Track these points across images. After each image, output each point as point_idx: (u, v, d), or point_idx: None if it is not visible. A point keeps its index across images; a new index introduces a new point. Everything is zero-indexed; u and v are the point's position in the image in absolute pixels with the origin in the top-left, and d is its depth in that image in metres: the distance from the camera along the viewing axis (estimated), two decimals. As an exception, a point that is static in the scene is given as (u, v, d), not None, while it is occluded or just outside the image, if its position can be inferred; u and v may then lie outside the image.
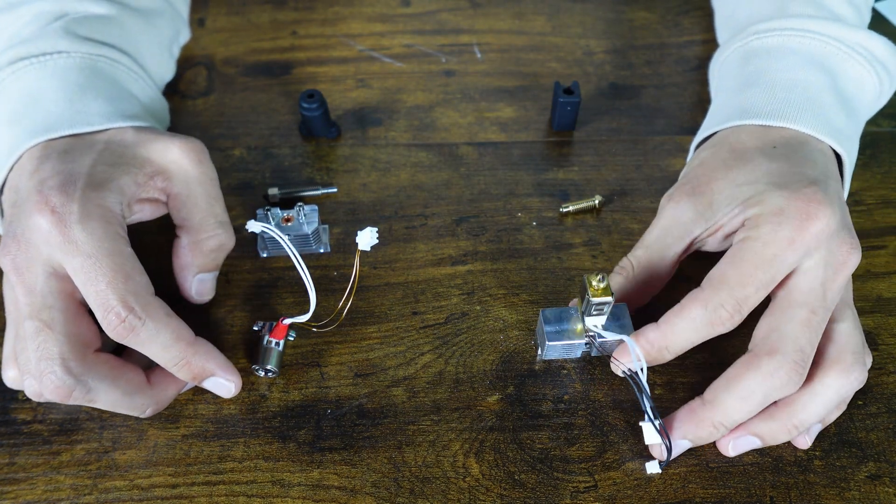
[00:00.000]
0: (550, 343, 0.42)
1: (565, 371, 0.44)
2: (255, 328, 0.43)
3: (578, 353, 0.44)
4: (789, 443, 0.41)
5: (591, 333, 0.41)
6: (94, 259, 0.36)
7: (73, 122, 0.42)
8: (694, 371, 0.44)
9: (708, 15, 0.67)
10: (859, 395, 0.42)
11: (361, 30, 0.64)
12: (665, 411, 0.42)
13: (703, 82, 0.60)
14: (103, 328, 0.37)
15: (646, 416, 0.40)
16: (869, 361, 0.40)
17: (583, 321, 0.41)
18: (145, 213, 0.43)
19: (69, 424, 0.42)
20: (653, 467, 0.40)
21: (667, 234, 0.42)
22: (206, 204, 0.43)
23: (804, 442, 0.40)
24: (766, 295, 0.38)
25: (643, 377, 0.40)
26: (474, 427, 0.41)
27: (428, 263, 0.49)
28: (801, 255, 0.37)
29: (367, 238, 0.40)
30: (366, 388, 0.43)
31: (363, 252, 0.46)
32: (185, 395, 0.43)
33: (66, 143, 0.41)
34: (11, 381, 0.39)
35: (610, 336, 0.41)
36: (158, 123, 0.51)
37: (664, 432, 0.39)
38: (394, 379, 0.43)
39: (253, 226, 0.43)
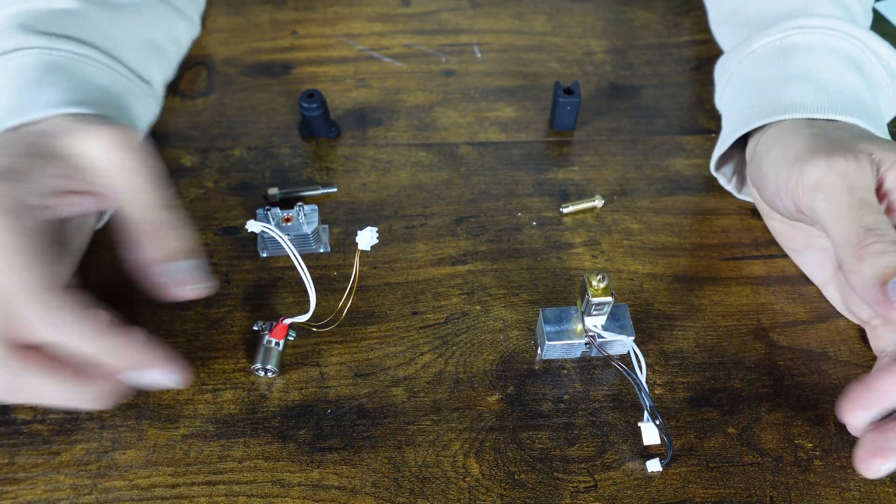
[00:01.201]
0: (550, 343, 0.42)
1: (565, 371, 0.44)
2: (255, 328, 0.43)
3: (578, 353, 0.44)
4: (788, 442, 0.41)
5: (591, 333, 0.41)
6: None
7: (19, 112, 0.40)
8: (694, 371, 0.44)
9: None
10: (859, 395, 0.42)
11: (361, 30, 0.64)
12: (665, 411, 0.42)
13: (704, 82, 0.60)
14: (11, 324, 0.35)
15: (644, 417, 0.40)
16: None
17: (583, 321, 0.41)
18: (83, 206, 0.40)
19: (69, 424, 0.42)
20: (654, 466, 0.40)
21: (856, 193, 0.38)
22: (140, 191, 0.39)
23: None
24: None
25: (642, 377, 0.40)
26: (474, 427, 0.41)
27: (428, 263, 0.49)
28: None
29: (367, 238, 0.40)
30: (366, 388, 0.43)
31: (363, 252, 0.46)
32: (185, 395, 0.43)
33: (3, 136, 0.40)
34: None
35: (610, 336, 0.41)
36: (134, 109, 0.49)
37: (664, 431, 0.39)
38: (394, 379, 0.43)
39: (253, 226, 0.43)
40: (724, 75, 0.53)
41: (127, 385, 0.38)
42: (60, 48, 0.45)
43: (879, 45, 0.47)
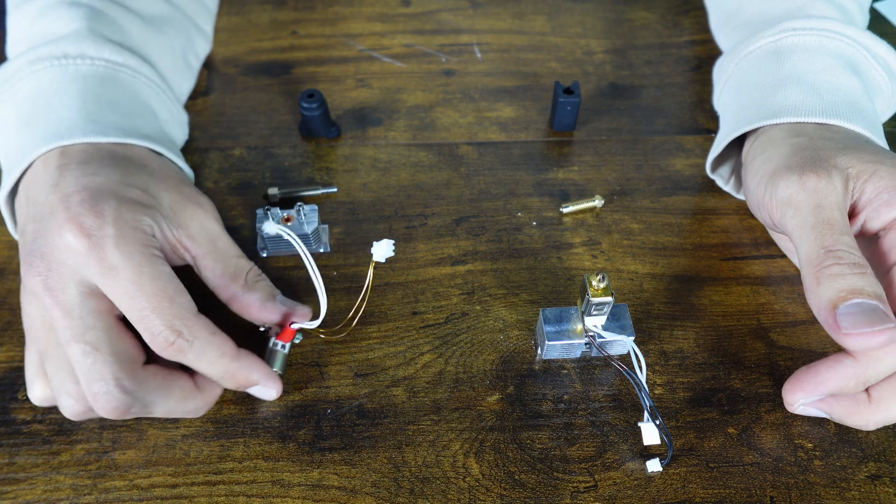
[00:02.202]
0: (550, 343, 0.42)
1: (565, 371, 0.44)
2: (262, 329, 0.43)
3: (578, 353, 0.44)
4: (788, 442, 0.41)
5: (591, 333, 0.41)
6: (135, 284, 0.36)
7: (87, 131, 0.41)
8: (694, 371, 0.44)
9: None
10: (859, 395, 0.42)
11: (361, 30, 0.64)
12: (665, 411, 0.42)
13: (704, 82, 0.60)
14: (152, 349, 0.37)
15: (644, 417, 0.40)
16: None
17: (583, 321, 0.41)
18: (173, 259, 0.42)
19: (69, 424, 0.41)
20: (654, 466, 0.40)
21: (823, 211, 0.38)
22: (230, 255, 0.43)
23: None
24: None
25: (642, 377, 0.40)
26: (474, 427, 0.41)
27: (428, 263, 0.49)
28: None
29: (382, 249, 0.40)
30: (366, 388, 0.43)
31: (363, 251, 0.46)
32: (184, 395, 0.43)
33: (84, 152, 0.40)
34: (40, 399, 0.39)
35: (610, 336, 0.41)
36: (177, 139, 0.51)
37: (664, 431, 0.39)
38: (394, 379, 0.43)
39: (269, 227, 0.43)
40: (722, 77, 0.53)
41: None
42: (123, 63, 0.46)
43: (877, 44, 0.47)
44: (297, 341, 0.43)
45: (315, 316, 0.42)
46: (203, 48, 0.59)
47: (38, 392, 0.39)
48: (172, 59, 0.53)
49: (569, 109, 0.54)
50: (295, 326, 0.42)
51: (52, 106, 0.42)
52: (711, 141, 0.56)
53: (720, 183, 0.51)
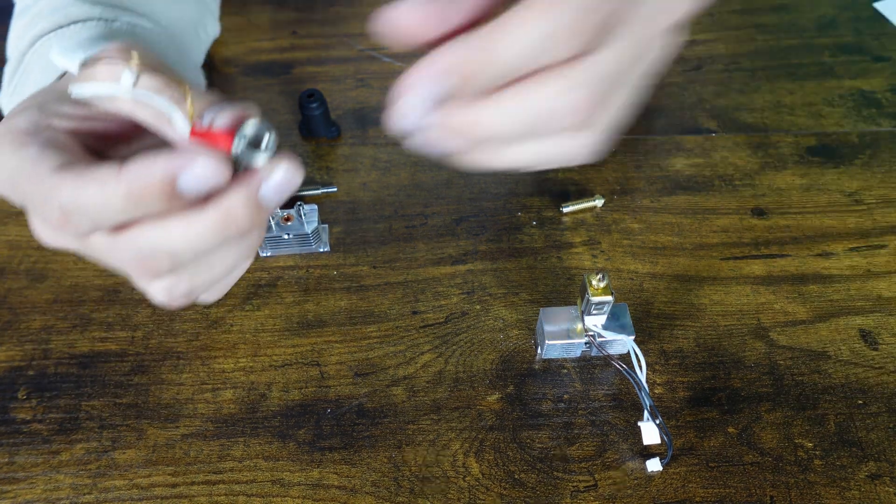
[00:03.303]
0: (550, 342, 0.42)
1: (565, 371, 0.44)
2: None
3: (578, 353, 0.44)
4: (788, 441, 0.41)
5: (591, 333, 0.41)
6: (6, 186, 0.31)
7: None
8: (694, 370, 0.44)
9: (708, 15, 0.67)
10: (859, 394, 0.42)
11: (361, 30, 0.64)
12: (665, 411, 0.42)
13: (704, 82, 0.60)
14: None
15: (644, 416, 0.40)
16: (598, 125, 0.29)
17: (583, 321, 0.41)
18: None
19: (69, 424, 0.42)
20: (654, 465, 0.40)
21: None
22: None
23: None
24: None
25: (642, 376, 0.40)
26: (474, 426, 0.41)
27: (428, 263, 0.49)
28: None
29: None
30: (366, 388, 0.43)
31: (363, 251, 0.46)
32: (184, 395, 0.43)
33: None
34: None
35: (610, 335, 0.41)
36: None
37: (664, 431, 0.39)
38: (394, 378, 0.43)
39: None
40: None
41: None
42: (117, 18, 0.44)
43: None
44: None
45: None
46: (213, 27, 0.59)
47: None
48: (183, 25, 0.52)
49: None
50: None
51: (57, 70, 0.41)
52: (712, 141, 0.56)
53: None
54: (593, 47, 0.27)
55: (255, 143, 0.28)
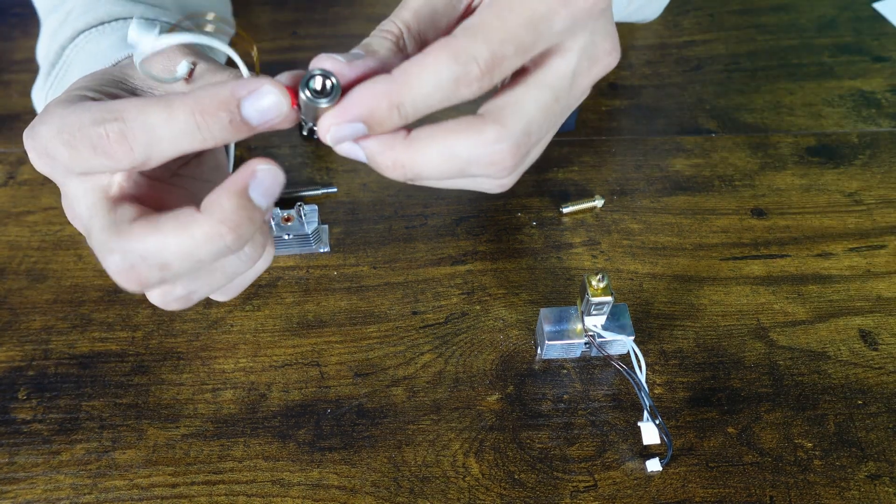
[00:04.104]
0: (550, 343, 0.42)
1: (565, 371, 0.44)
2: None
3: (578, 353, 0.44)
4: (788, 442, 0.41)
5: (591, 333, 0.41)
6: (58, 133, 0.30)
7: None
8: (694, 371, 0.44)
9: (708, 15, 0.67)
10: (859, 395, 0.42)
11: (361, 30, 0.64)
12: (665, 411, 0.42)
13: (704, 82, 0.60)
14: (108, 162, 0.30)
15: (644, 416, 0.40)
16: (519, 166, 0.31)
17: (582, 321, 0.41)
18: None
19: (69, 424, 0.42)
20: (653, 465, 0.40)
21: None
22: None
23: (394, 170, 0.30)
24: (518, 66, 0.31)
25: (642, 377, 0.40)
26: (474, 427, 0.41)
27: (428, 263, 0.49)
28: (567, 28, 0.30)
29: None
30: (366, 388, 0.43)
31: (363, 251, 0.46)
32: (184, 395, 0.43)
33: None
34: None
35: (610, 336, 0.41)
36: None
37: (664, 431, 0.39)
38: (394, 378, 0.43)
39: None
40: None
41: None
42: (156, 18, 0.45)
43: None
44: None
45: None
46: (230, 27, 0.59)
47: None
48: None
49: (569, 109, 0.54)
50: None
51: (99, 63, 0.41)
52: (712, 141, 0.56)
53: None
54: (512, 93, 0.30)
55: (319, 93, 0.30)
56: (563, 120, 0.32)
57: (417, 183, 0.32)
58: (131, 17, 0.44)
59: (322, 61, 0.29)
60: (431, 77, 0.29)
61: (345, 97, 0.29)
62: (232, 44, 0.35)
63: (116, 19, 0.44)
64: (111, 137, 0.29)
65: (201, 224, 0.29)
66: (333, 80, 0.29)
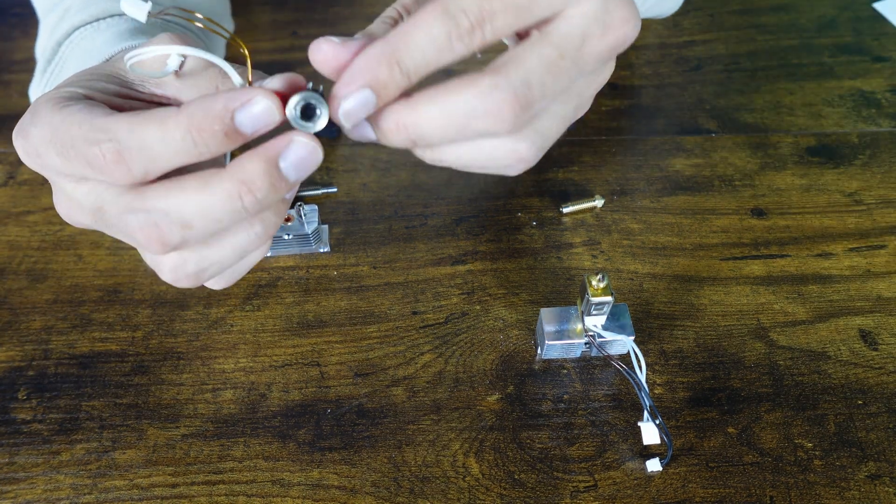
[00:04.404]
0: (550, 343, 0.42)
1: (565, 371, 0.44)
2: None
3: (578, 353, 0.44)
4: (788, 442, 0.41)
5: (591, 333, 0.41)
6: (49, 139, 0.31)
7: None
8: (694, 371, 0.44)
9: (708, 15, 0.67)
10: (859, 395, 0.42)
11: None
12: (665, 411, 0.42)
13: (704, 82, 0.60)
14: (108, 179, 0.31)
15: (644, 416, 0.40)
16: (525, 123, 0.30)
17: (582, 321, 0.41)
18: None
19: (69, 424, 0.42)
20: (654, 465, 0.40)
21: None
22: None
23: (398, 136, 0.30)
24: (515, 28, 0.30)
25: (642, 377, 0.40)
26: (474, 427, 0.41)
27: (428, 263, 0.49)
28: None
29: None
30: (366, 388, 0.43)
31: (363, 251, 0.46)
32: (184, 395, 0.43)
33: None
34: None
35: (610, 336, 0.41)
36: None
37: (664, 431, 0.39)
38: (394, 378, 0.43)
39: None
40: None
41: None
42: (153, 13, 0.45)
43: None
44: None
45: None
46: (229, 24, 0.59)
47: None
48: (215, 17, 0.53)
49: (569, 109, 0.54)
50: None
51: (94, 57, 0.41)
52: (712, 141, 0.56)
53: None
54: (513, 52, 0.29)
55: (306, 115, 0.30)
56: (575, 83, 0.31)
57: (428, 155, 0.31)
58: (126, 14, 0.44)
59: (319, 44, 0.29)
60: (424, 32, 0.29)
61: (346, 70, 0.29)
62: (227, 45, 0.36)
63: (112, 15, 0.44)
64: (108, 158, 0.29)
65: (223, 181, 0.29)
66: (321, 106, 0.29)
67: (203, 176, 0.30)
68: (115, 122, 0.29)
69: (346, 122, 0.30)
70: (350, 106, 0.29)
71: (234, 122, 0.29)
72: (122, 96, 0.34)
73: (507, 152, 0.31)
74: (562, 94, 0.31)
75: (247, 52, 0.32)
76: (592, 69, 0.31)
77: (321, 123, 0.29)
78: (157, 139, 0.29)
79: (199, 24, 0.33)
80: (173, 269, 0.32)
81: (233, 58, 0.45)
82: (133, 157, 0.29)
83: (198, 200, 0.30)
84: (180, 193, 0.30)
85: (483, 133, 0.30)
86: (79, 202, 0.32)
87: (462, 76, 0.30)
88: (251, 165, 0.29)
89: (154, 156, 0.29)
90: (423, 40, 0.29)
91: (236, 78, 0.33)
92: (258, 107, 0.29)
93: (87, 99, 0.32)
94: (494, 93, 0.29)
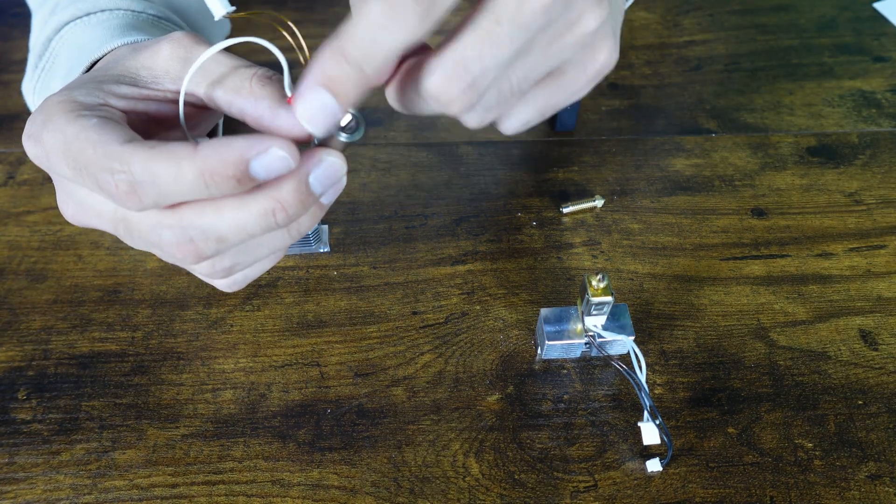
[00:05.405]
0: (550, 343, 0.42)
1: (565, 371, 0.44)
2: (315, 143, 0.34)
3: (578, 353, 0.44)
4: (788, 442, 0.41)
5: (591, 333, 0.41)
6: (61, 153, 0.31)
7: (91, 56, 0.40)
8: (694, 371, 0.44)
9: (708, 15, 0.67)
10: (859, 395, 0.42)
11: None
12: (665, 411, 0.42)
13: (704, 82, 0.60)
14: (119, 205, 0.31)
15: (644, 416, 0.40)
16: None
17: (583, 321, 0.41)
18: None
19: (69, 424, 0.42)
20: (654, 466, 0.40)
21: None
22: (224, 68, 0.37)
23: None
24: None
25: (642, 377, 0.40)
26: (474, 427, 0.41)
27: (428, 263, 0.49)
28: None
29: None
30: (366, 388, 0.43)
31: (363, 251, 0.46)
32: (184, 395, 0.43)
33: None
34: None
35: (610, 336, 0.41)
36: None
37: (664, 431, 0.39)
38: (394, 379, 0.43)
39: None
40: None
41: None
42: (144, 11, 0.45)
43: None
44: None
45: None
46: (226, 23, 0.59)
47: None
48: (209, 22, 0.52)
49: (569, 109, 0.54)
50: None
51: (83, 52, 0.41)
52: (712, 141, 0.56)
53: None
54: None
55: (345, 127, 0.32)
56: (534, 44, 0.30)
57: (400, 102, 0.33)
58: (117, 10, 0.44)
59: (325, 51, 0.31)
60: (365, 21, 0.29)
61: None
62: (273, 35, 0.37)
63: (102, 10, 0.44)
64: (121, 188, 0.30)
65: (259, 200, 0.30)
66: (354, 115, 0.32)
67: (240, 196, 0.31)
68: (131, 153, 0.29)
69: (310, 127, 0.31)
70: (306, 108, 0.31)
71: (248, 170, 0.29)
72: (136, 98, 0.34)
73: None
74: (517, 59, 0.31)
75: (302, 39, 0.35)
76: (543, 25, 0.30)
77: (351, 136, 0.32)
78: (170, 178, 0.29)
79: (276, 25, 0.34)
80: (208, 268, 0.33)
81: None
82: (146, 190, 0.30)
83: (233, 217, 0.31)
84: (216, 212, 0.31)
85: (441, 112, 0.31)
86: (97, 210, 0.33)
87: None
88: (286, 185, 0.31)
89: (166, 192, 0.29)
90: (367, 29, 0.30)
91: (288, 80, 0.35)
92: (273, 157, 0.30)
93: (103, 107, 0.32)
94: (432, 78, 0.30)
